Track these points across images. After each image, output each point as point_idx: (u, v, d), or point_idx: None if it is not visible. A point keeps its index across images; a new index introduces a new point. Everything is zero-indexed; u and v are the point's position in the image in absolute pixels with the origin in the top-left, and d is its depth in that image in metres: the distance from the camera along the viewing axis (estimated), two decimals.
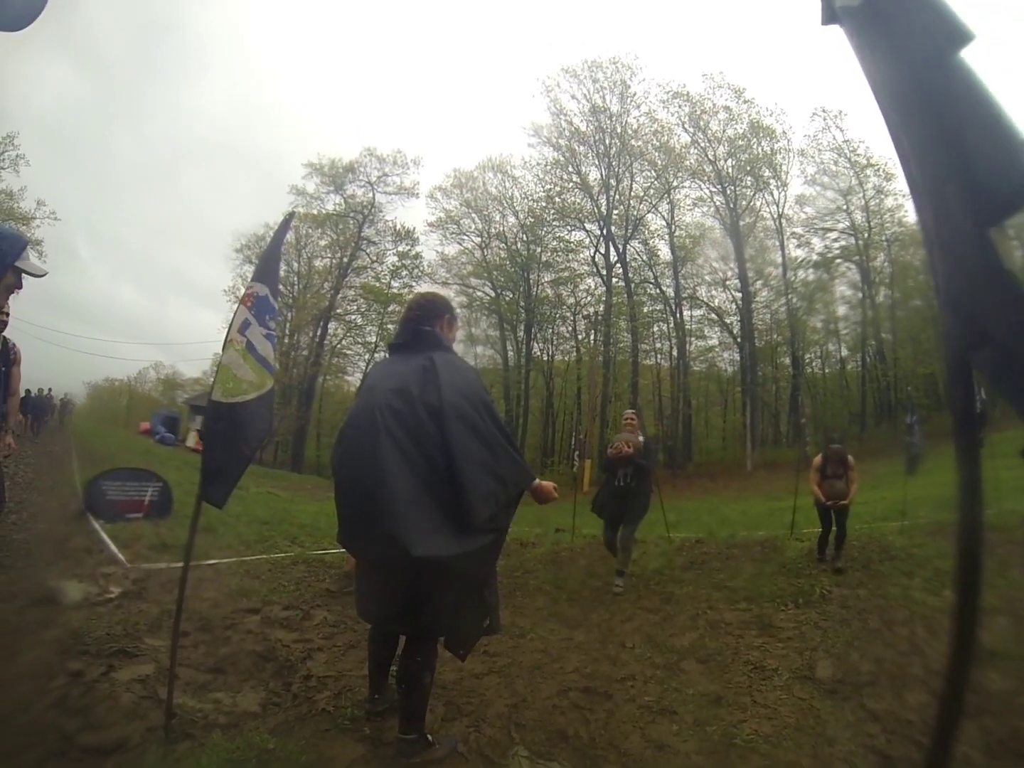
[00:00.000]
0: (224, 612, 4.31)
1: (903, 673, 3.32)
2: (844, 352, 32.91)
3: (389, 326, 34.79)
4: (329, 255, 34.98)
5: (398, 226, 35.39)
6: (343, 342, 35.44)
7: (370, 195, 35.02)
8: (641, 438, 6.20)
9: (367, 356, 35.31)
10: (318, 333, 34.54)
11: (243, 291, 3.04)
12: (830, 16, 1.19)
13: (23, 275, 2.33)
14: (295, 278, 34.72)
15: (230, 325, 2.88)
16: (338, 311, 34.86)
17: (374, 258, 35.78)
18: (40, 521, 6.68)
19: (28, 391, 18.36)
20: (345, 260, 34.92)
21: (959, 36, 0.97)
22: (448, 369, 2.60)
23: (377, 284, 35.46)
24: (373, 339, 35.32)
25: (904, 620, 4.08)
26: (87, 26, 48.51)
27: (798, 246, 31.97)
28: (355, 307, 35.48)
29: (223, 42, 63.02)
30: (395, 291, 35.42)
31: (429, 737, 2.66)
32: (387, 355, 2.99)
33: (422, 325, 2.83)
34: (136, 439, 25.83)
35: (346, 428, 2.68)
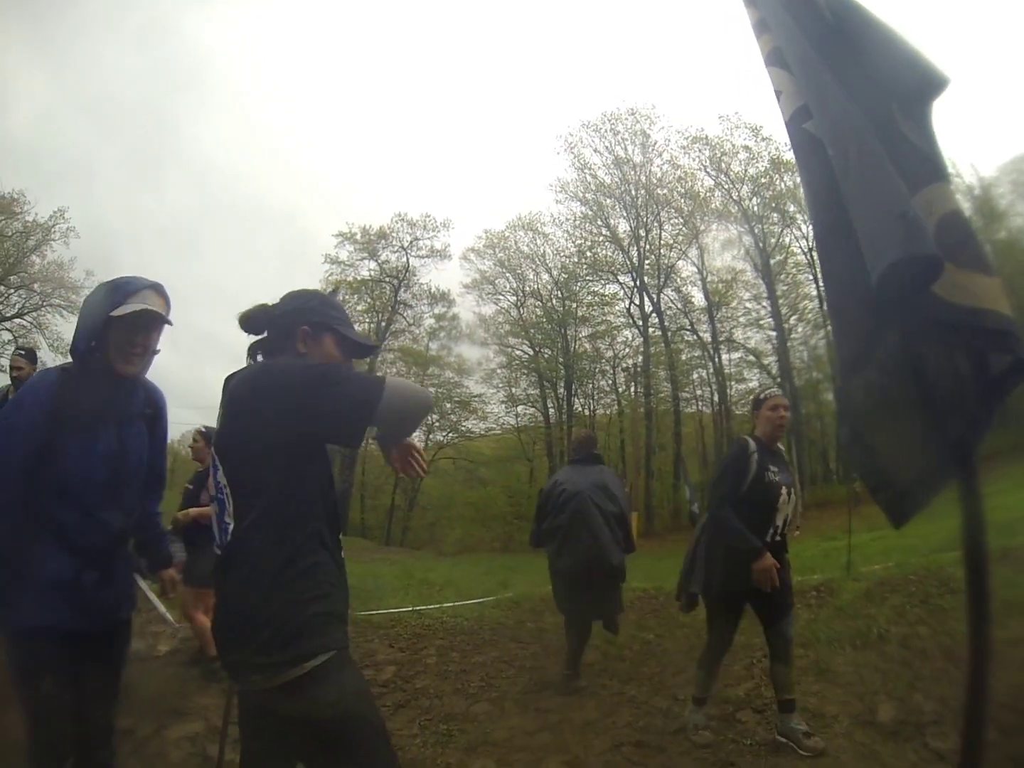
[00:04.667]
0: None
1: None
2: None
3: (431, 388, 34.96)
4: (367, 319, 35.34)
5: (433, 289, 35.77)
6: None
7: (404, 259, 35.45)
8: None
9: None
10: None
11: None
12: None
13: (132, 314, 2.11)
14: None
15: None
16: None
17: (411, 321, 36.20)
18: None
19: None
20: (383, 324, 35.42)
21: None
22: (615, 478, 4.94)
23: (416, 347, 35.89)
24: None
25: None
26: (105, 84, 50.91)
27: None
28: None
29: (241, 102, 65.21)
30: (433, 353, 35.87)
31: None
32: (569, 464, 5.05)
33: (593, 449, 5.04)
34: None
35: (568, 502, 4.47)
